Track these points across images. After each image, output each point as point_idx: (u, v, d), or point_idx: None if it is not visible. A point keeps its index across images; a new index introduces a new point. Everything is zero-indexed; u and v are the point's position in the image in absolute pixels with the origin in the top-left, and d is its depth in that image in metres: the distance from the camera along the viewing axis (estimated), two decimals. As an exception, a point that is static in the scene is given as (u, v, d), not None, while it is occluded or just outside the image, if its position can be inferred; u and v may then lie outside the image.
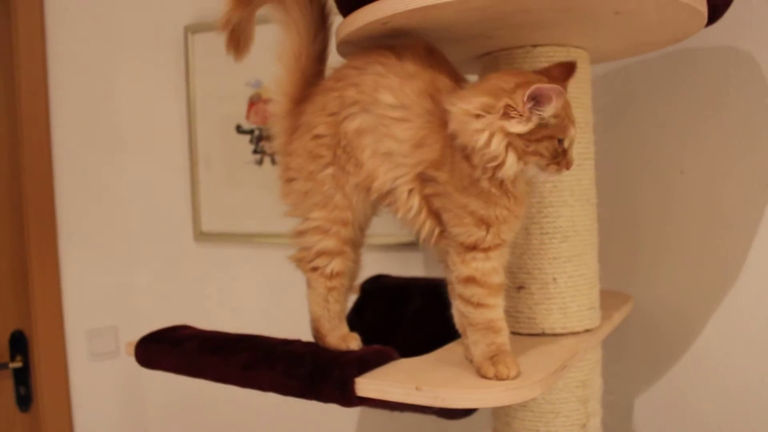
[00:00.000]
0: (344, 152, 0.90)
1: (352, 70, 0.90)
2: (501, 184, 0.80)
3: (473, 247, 0.83)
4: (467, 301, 0.84)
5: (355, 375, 0.82)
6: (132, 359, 1.08)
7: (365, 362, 0.85)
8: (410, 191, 0.86)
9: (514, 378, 0.80)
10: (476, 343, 0.84)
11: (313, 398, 0.86)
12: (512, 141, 0.77)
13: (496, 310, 0.84)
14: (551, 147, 0.78)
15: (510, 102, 0.76)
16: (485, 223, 0.82)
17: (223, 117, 1.89)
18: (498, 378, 0.79)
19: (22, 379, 1.93)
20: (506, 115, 0.76)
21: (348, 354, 0.88)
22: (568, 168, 0.80)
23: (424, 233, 0.87)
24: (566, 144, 0.79)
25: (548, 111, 0.76)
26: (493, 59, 1.05)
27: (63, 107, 1.93)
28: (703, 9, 0.90)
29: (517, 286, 1.03)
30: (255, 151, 1.84)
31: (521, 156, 0.77)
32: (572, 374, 1.03)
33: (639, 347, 1.42)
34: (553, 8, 0.83)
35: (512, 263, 1.03)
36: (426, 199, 0.86)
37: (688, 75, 1.34)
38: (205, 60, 1.90)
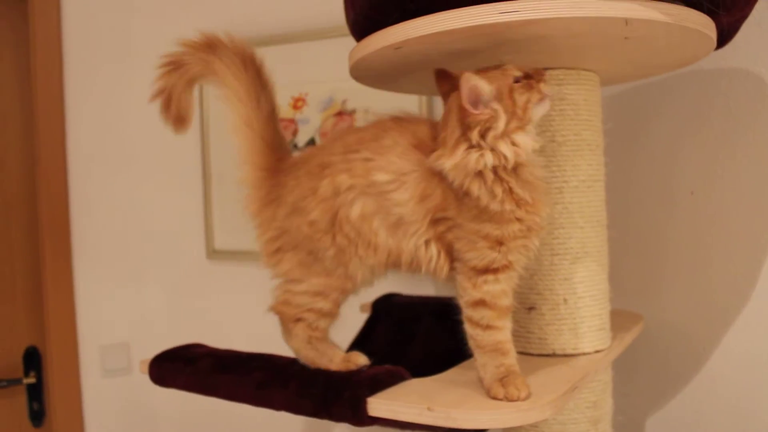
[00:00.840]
0: (347, 238, 0.88)
1: (335, 156, 0.89)
2: (511, 194, 0.80)
3: (485, 270, 0.83)
4: (476, 324, 0.85)
5: (367, 395, 0.83)
6: (144, 376, 1.09)
7: (377, 382, 0.86)
8: (427, 243, 0.86)
9: (525, 399, 0.80)
10: (485, 365, 0.84)
11: (325, 417, 0.86)
12: (508, 131, 0.80)
13: (504, 332, 0.85)
14: (510, 106, 0.80)
15: (474, 124, 0.79)
16: (499, 243, 0.82)
17: (237, 136, 1.91)
18: (508, 399, 0.80)
19: (36, 394, 1.95)
20: (484, 130, 0.79)
21: (360, 374, 0.89)
22: (544, 78, 0.84)
23: (440, 273, 0.87)
24: (517, 95, 0.81)
25: (488, 97, 0.79)
26: (503, 82, 1.06)
27: (79, 125, 1.95)
28: (713, 34, 0.91)
29: (527, 306, 1.04)
30: (268, 170, 1.86)
31: (522, 126, 0.81)
32: (583, 395, 1.03)
33: (650, 368, 1.41)
34: (563, 34, 0.85)
35: (523, 284, 1.04)
36: (439, 238, 0.86)
37: (698, 96, 1.34)
38: (219, 80, 1.93)
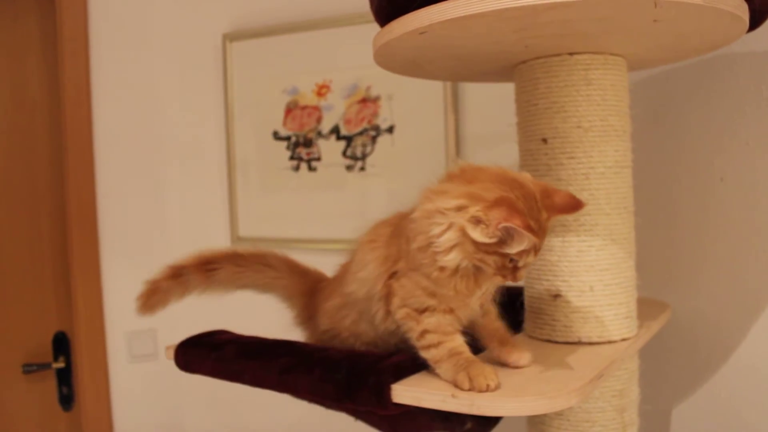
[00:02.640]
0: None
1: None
2: (443, 270, 0.82)
3: (425, 310, 0.87)
4: (428, 347, 0.86)
5: (391, 381, 0.83)
6: (170, 362, 1.10)
7: (401, 369, 0.86)
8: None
9: (495, 389, 0.79)
10: (446, 370, 0.84)
11: (349, 403, 0.87)
12: (464, 242, 0.78)
13: (455, 340, 0.86)
14: (499, 262, 0.79)
15: (482, 216, 0.76)
16: (434, 296, 0.86)
17: (260, 124, 1.92)
18: (476, 389, 0.79)
19: (65, 379, 1.98)
20: (473, 219, 0.77)
21: (384, 360, 0.89)
22: (514, 281, 0.83)
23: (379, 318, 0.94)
24: (520, 264, 0.81)
25: (512, 249, 0.77)
26: (529, 68, 1.05)
27: (105, 115, 1.97)
28: (745, 16, 0.89)
29: (553, 294, 1.03)
30: (291, 158, 1.86)
31: (466, 256, 0.80)
32: (609, 383, 1.02)
33: (677, 356, 1.40)
34: (591, 17, 0.83)
35: (548, 271, 1.03)
36: (387, 287, 0.91)
37: (728, 80, 1.32)
38: (243, 67, 1.93)
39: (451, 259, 0.79)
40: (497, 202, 0.76)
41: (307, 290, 1.13)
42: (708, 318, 1.36)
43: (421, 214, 0.82)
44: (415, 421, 0.85)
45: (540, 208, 0.80)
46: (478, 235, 0.76)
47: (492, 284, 0.87)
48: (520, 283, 1.07)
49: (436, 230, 0.79)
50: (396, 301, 0.89)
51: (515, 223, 0.74)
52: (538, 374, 0.87)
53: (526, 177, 0.83)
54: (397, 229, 0.92)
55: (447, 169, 0.89)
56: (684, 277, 1.39)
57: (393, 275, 0.90)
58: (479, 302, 0.89)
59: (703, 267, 1.37)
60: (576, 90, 1.01)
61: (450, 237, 0.78)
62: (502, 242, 0.77)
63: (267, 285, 1.17)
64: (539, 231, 0.79)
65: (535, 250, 0.80)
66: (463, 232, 0.78)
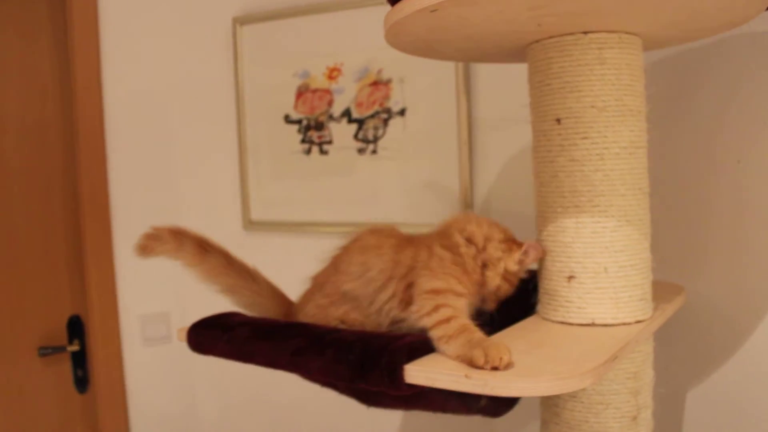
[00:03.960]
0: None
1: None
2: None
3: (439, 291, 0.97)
4: (440, 322, 0.88)
5: (405, 362, 0.83)
6: (183, 345, 1.10)
7: (414, 350, 0.85)
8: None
9: (508, 365, 0.79)
10: (458, 347, 0.85)
11: (361, 384, 0.86)
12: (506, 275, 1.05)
13: (466, 319, 0.90)
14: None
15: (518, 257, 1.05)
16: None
17: (272, 107, 1.91)
18: (490, 364, 0.79)
19: (80, 361, 2.00)
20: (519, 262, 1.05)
21: (397, 341, 0.88)
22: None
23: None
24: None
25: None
26: (542, 48, 1.04)
27: (116, 100, 1.97)
28: (764, -8, 0.87)
29: (567, 275, 1.02)
30: (303, 141, 1.86)
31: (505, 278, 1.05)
32: (623, 366, 1.02)
33: (692, 340, 1.39)
34: (606, -6, 0.82)
35: (562, 252, 1.02)
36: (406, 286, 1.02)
37: (745, 60, 1.30)
38: (254, 51, 1.93)
39: (500, 283, 1.05)
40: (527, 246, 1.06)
41: (281, 313, 1.20)
42: (723, 302, 1.35)
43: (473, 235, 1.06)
44: (429, 399, 0.85)
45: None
46: (514, 266, 1.05)
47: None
48: (532, 266, 1.08)
49: (490, 253, 1.05)
50: (414, 308, 0.97)
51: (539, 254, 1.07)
52: (552, 355, 0.87)
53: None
54: (409, 242, 1.07)
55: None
56: (698, 261, 1.38)
57: (408, 282, 1.01)
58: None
59: (719, 250, 1.35)
60: (590, 69, 1.00)
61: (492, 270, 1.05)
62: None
63: (246, 296, 1.20)
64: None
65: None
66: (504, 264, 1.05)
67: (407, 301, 1.00)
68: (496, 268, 1.03)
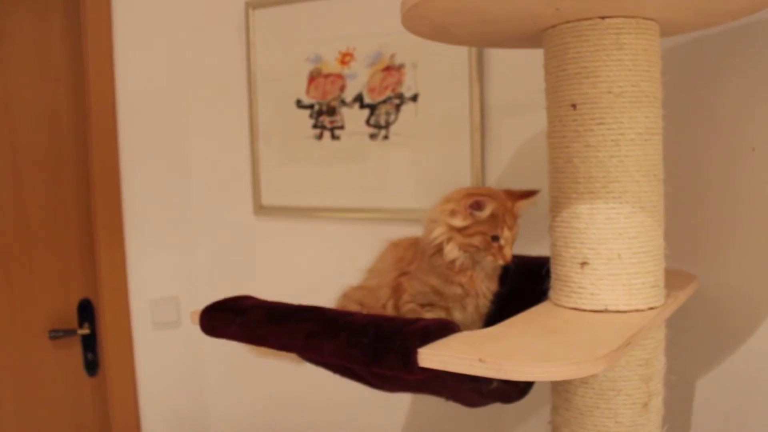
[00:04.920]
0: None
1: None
2: (452, 265, 1.09)
3: (427, 305, 1.12)
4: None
5: (418, 345, 0.83)
6: (193, 329, 1.10)
7: (428, 333, 0.86)
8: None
9: None
10: None
11: (375, 367, 0.87)
12: (453, 234, 1.07)
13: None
14: (483, 241, 1.06)
15: (455, 206, 1.07)
16: (440, 294, 1.11)
17: (283, 92, 1.90)
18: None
19: (90, 345, 2.01)
20: (452, 213, 1.07)
21: (411, 325, 0.88)
22: (504, 261, 1.07)
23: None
24: (502, 242, 1.06)
25: (483, 213, 1.05)
26: (558, 32, 1.03)
27: (128, 83, 1.97)
28: (784, -23, 0.86)
29: (580, 261, 1.02)
30: (315, 126, 1.85)
31: (460, 245, 1.07)
32: (635, 352, 1.02)
33: (703, 328, 1.39)
34: (625, -23, 0.81)
35: (575, 238, 1.02)
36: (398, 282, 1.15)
37: (763, 47, 1.28)
38: (266, 35, 1.92)
39: (450, 250, 1.07)
40: (464, 196, 1.07)
41: None
42: (735, 291, 1.35)
43: (425, 227, 1.12)
44: (442, 383, 0.85)
45: (505, 198, 1.09)
46: (457, 221, 1.06)
47: (488, 265, 1.10)
48: (545, 252, 1.08)
49: (434, 233, 1.08)
50: (405, 297, 1.12)
51: (484, 202, 1.04)
52: (565, 340, 0.87)
53: (493, 187, 1.18)
54: (415, 242, 1.17)
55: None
56: (711, 249, 1.37)
57: (404, 274, 1.14)
58: (474, 305, 1.12)
59: (732, 239, 1.35)
60: (607, 55, 0.99)
61: (442, 231, 1.07)
62: (476, 219, 1.05)
63: None
64: (508, 214, 1.07)
65: (508, 226, 1.06)
66: (449, 226, 1.07)
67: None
68: (444, 234, 1.08)
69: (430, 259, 1.10)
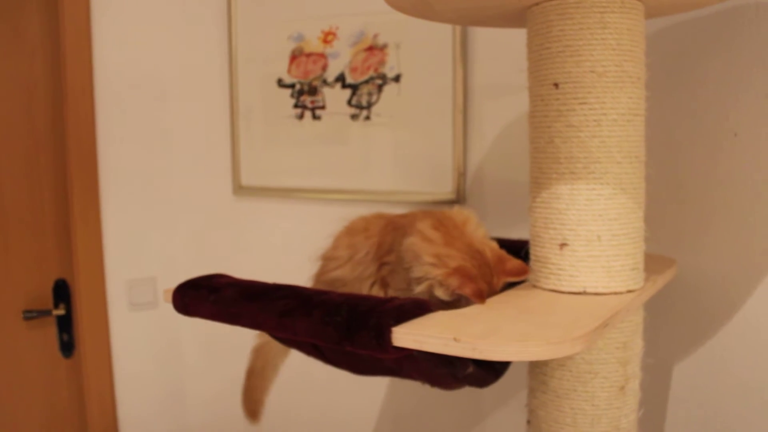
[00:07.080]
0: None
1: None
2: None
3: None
4: None
5: (392, 324, 0.81)
6: (170, 310, 1.09)
7: (403, 312, 0.84)
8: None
9: None
10: None
11: (348, 346, 0.85)
12: (430, 289, 0.99)
13: None
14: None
15: (443, 281, 0.96)
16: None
17: (265, 71, 1.88)
18: None
19: (65, 326, 1.98)
20: (436, 282, 0.97)
21: (386, 304, 0.87)
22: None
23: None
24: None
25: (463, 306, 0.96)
26: (542, 11, 1.01)
27: (106, 60, 1.94)
28: (771, -45, 0.85)
29: (559, 243, 1.01)
30: (296, 106, 1.83)
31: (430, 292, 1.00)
32: (613, 335, 1.01)
33: (681, 313, 1.39)
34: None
35: (555, 219, 1.01)
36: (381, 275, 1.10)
37: (749, 30, 1.27)
38: (248, 13, 1.89)
39: (421, 291, 1.00)
40: (456, 271, 0.96)
41: None
42: (714, 276, 1.34)
43: (410, 249, 1.02)
44: (416, 365, 0.84)
45: (492, 273, 1.00)
46: (440, 294, 0.97)
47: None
48: (524, 236, 1.07)
49: (415, 274, 1.00)
50: (390, 292, 1.09)
51: (465, 291, 0.94)
52: (542, 321, 0.86)
53: (489, 246, 1.03)
54: (393, 224, 1.12)
55: (444, 212, 1.09)
56: (691, 233, 1.37)
57: (384, 264, 1.09)
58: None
59: (711, 223, 1.34)
60: (591, 33, 0.97)
61: (422, 288, 0.99)
62: (456, 299, 0.97)
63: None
64: (489, 291, 0.99)
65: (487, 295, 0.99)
66: (430, 285, 0.98)
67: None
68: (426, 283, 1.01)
69: (407, 272, 1.04)
